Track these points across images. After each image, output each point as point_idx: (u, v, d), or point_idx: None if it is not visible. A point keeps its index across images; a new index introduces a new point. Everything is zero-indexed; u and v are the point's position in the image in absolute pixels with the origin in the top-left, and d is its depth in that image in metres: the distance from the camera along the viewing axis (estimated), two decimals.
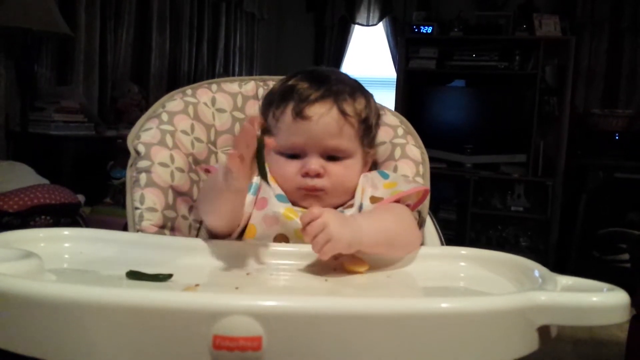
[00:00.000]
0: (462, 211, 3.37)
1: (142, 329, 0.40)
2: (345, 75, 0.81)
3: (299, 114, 0.74)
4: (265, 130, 0.79)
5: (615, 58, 3.36)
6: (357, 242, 0.62)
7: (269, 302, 0.41)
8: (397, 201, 0.75)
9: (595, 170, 3.07)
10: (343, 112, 0.75)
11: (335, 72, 0.81)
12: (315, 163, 0.74)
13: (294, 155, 0.76)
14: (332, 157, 0.76)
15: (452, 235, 3.32)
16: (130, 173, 0.79)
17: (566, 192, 3.27)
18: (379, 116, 0.84)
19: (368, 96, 0.81)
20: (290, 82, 0.78)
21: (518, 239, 3.34)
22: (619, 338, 1.98)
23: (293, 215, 0.72)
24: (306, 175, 0.75)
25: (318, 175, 0.75)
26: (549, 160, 3.34)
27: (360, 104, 0.78)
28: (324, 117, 0.74)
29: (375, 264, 0.66)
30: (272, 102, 0.79)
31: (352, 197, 0.77)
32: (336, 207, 0.77)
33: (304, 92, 0.75)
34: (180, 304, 0.40)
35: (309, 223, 0.60)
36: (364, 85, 0.83)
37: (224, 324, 0.39)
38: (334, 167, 0.75)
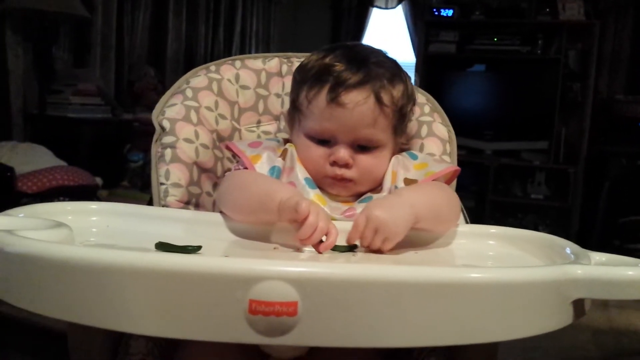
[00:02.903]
0: (481, 198, 3.33)
1: (177, 293, 0.40)
2: (384, 55, 0.77)
3: (334, 100, 0.70)
4: (295, 108, 0.77)
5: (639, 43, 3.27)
6: (413, 217, 0.63)
7: (305, 268, 0.41)
8: None
9: (618, 158, 3.01)
10: (380, 102, 0.72)
11: (375, 53, 0.77)
12: (344, 152, 0.72)
13: (323, 140, 0.74)
14: (362, 146, 0.74)
15: (471, 223, 3.28)
16: (155, 148, 0.79)
17: (588, 180, 3.21)
18: (414, 102, 0.80)
19: (406, 80, 0.77)
20: (327, 60, 0.73)
21: (537, 228, 3.29)
22: (638, 327, 1.95)
23: (320, 204, 0.70)
24: (334, 164, 0.73)
25: (346, 165, 0.73)
26: (571, 147, 3.28)
27: (399, 91, 0.74)
28: (359, 105, 0.70)
29: (401, 242, 0.65)
30: (305, 80, 0.74)
31: (381, 183, 0.76)
32: (364, 193, 0.76)
33: (341, 75, 0.71)
34: (217, 269, 0.40)
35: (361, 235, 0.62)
36: None
37: (260, 289, 0.39)
38: (363, 158, 0.74)
